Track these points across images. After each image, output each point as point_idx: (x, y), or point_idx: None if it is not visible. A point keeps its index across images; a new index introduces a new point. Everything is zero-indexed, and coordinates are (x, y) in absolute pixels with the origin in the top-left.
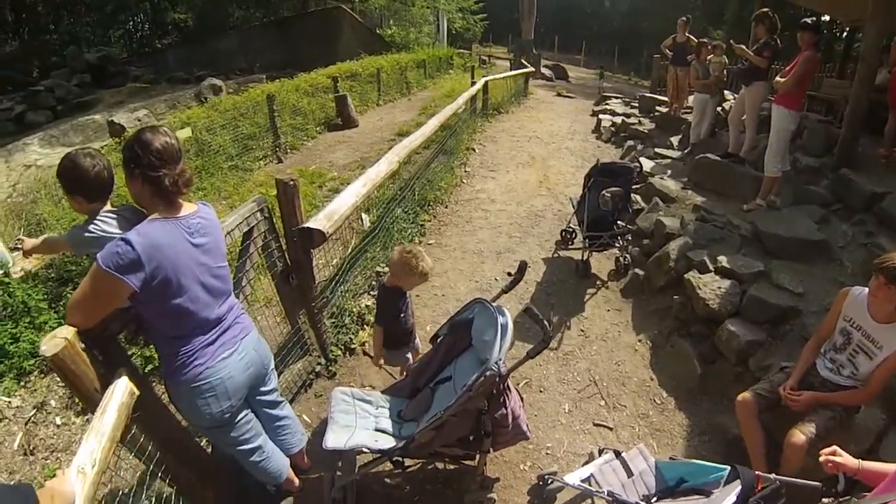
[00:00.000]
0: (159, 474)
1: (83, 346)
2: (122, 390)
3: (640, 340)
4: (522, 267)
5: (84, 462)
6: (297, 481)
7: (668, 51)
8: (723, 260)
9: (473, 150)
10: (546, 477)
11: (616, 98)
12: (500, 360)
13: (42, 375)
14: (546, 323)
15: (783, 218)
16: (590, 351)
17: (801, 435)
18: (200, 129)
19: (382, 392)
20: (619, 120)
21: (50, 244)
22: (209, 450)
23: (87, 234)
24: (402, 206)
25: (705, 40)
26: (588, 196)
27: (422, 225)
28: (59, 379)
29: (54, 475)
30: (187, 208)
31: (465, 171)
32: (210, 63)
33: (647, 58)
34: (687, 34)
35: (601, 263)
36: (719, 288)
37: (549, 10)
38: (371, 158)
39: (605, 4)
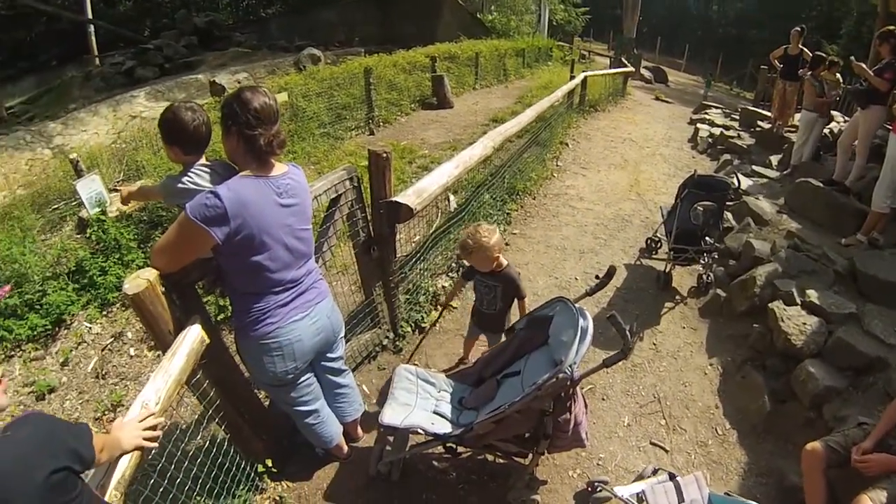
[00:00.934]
0: (216, 419)
1: (163, 289)
2: (193, 337)
3: (711, 364)
4: (611, 272)
5: (149, 398)
6: (345, 449)
7: (777, 62)
8: (812, 295)
9: (567, 144)
10: (596, 484)
11: (716, 108)
12: (574, 363)
13: (123, 308)
14: (629, 334)
15: (885, 259)
16: (659, 367)
17: (869, 502)
18: (297, 95)
19: (447, 376)
20: (717, 131)
21: (145, 192)
22: (266, 404)
23: (179, 185)
24: (491, 192)
25: (822, 54)
26: (680, 207)
27: (508, 213)
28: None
29: (119, 401)
30: (278, 169)
31: (557, 166)
32: (310, 33)
33: (752, 68)
34: (800, 46)
35: (683, 278)
36: (804, 324)
37: (653, 10)
38: (463, 141)
39: (712, 7)
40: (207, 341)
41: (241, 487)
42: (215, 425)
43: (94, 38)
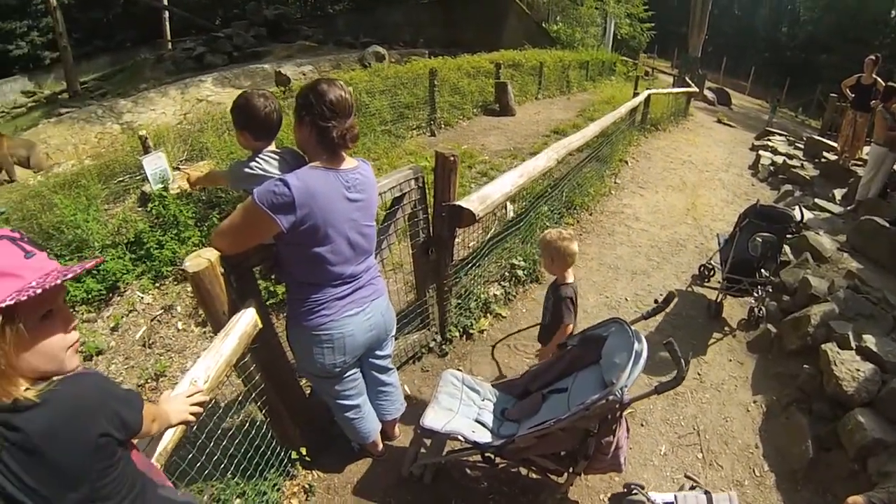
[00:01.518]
0: (257, 402)
1: (222, 270)
2: (247, 320)
3: (755, 402)
4: (669, 298)
5: (198, 376)
6: (381, 446)
7: (849, 91)
8: (869, 340)
9: (626, 162)
10: (633, 487)
11: (780, 135)
12: (626, 386)
13: (175, 283)
14: (683, 362)
15: None
16: (701, 398)
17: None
18: (361, 90)
19: (493, 385)
20: (779, 159)
21: (212, 177)
22: (307, 393)
23: (246, 170)
24: (549, 205)
25: None
26: (738, 236)
27: (564, 227)
28: (190, 290)
29: (163, 372)
30: (349, 163)
31: (616, 183)
32: (375, 32)
33: (820, 95)
34: (874, 76)
35: (734, 309)
36: (858, 370)
37: (720, 29)
38: (524, 150)
39: (781, 29)
40: (260, 326)
41: (273, 471)
42: (255, 407)
43: (168, 23)
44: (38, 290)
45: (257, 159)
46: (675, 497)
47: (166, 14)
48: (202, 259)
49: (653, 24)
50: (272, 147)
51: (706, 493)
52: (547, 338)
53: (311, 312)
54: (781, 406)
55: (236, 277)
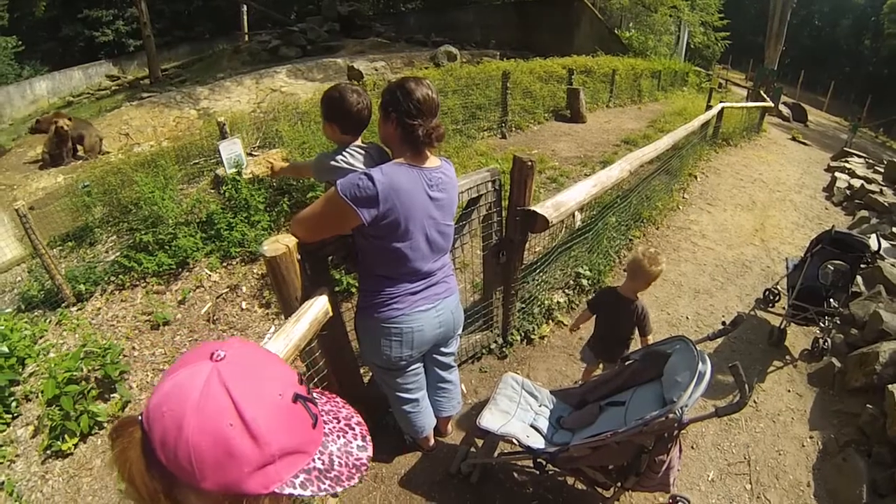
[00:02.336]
0: (319, 386)
1: (298, 257)
2: (319, 307)
3: (811, 437)
4: (738, 321)
5: None
6: (433, 442)
7: None
8: None
9: (695, 177)
10: (679, 498)
11: (858, 157)
12: (686, 406)
13: (242, 264)
14: (748, 387)
15: None
16: (755, 427)
17: None
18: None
19: (551, 392)
20: (857, 183)
21: (296, 167)
22: (365, 380)
23: (331, 163)
24: (617, 216)
25: None
26: (809, 262)
27: (630, 240)
28: (256, 272)
29: None
30: (432, 161)
31: (683, 198)
32: (447, 31)
33: None
34: None
35: (797, 338)
36: None
37: (798, 40)
38: (594, 158)
39: (864, 42)
40: (331, 314)
41: None
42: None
43: (245, 16)
44: (337, 489)
45: (343, 152)
46: None
47: (244, 8)
48: (280, 245)
49: (728, 34)
50: (358, 141)
51: None
52: (621, 352)
53: (383, 305)
54: (839, 445)
55: (311, 265)
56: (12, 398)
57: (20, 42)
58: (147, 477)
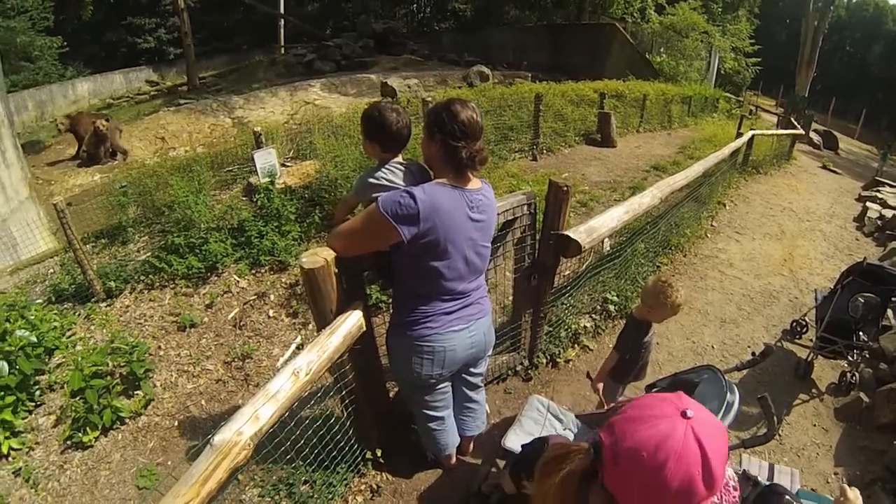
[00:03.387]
0: (345, 400)
1: (335, 270)
2: (353, 321)
3: (835, 473)
4: (767, 352)
5: (301, 367)
6: (454, 460)
7: None
8: None
9: (724, 205)
10: None
11: (891, 186)
12: None
13: (271, 272)
14: (776, 419)
15: None
16: (779, 460)
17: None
18: None
19: (576, 416)
20: (888, 213)
21: (345, 202)
22: (391, 395)
23: (371, 180)
24: (645, 242)
25: None
26: (839, 294)
27: (658, 266)
28: (284, 281)
29: (250, 354)
30: (473, 183)
31: (712, 226)
32: (480, 51)
33: None
34: None
35: (824, 371)
36: None
37: (830, 66)
38: (623, 183)
39: None
40: (364, 329)
41: (345, 466)
42: (337, 402)
43: (282, 30)
44: None
45: (384, 169)
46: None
47: (281, 22)
48: (318, 257)
49: (758, 60)
50: (398, 158)
51: (770, 465)
52: (622, 374)
53: (417, 323)
54: (864, 483)
55: (347, 279)
56: (37, 387)
57: (65, 43)
58: (574, 497)
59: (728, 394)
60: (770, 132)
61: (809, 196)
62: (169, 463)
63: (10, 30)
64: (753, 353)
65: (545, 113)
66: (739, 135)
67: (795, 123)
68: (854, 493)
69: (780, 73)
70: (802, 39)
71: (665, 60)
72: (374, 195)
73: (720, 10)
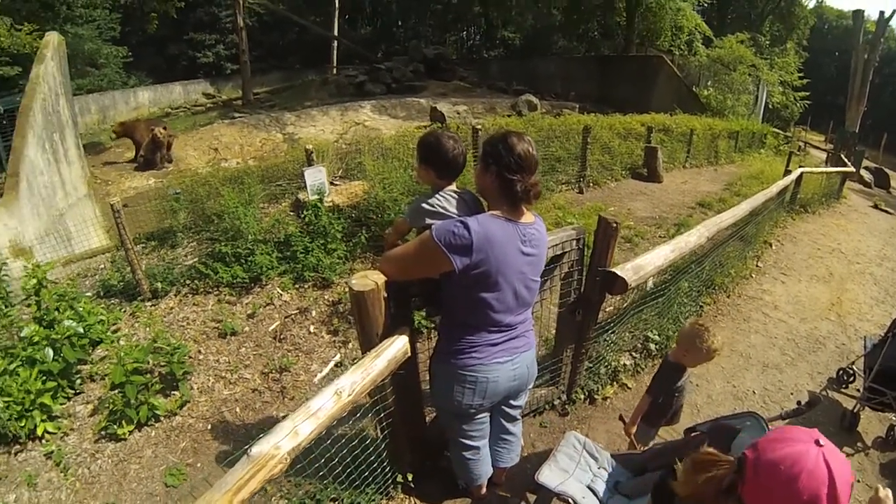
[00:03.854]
0: (383, 421)
1: (384, 295)
2: (399, 346)
3: None
4: (814, 402)
5: (343, 387)
6: (485, 491)
7: None
8: None
9: (770, 245)
10: None
11: None
12: None
13: (314, 288)
14: None
15: None
16: None
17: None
18: None
19: (612, 455)
20: None
21: (397, 226)
22: (427, 420)
23: (425, 206)
24: (689, 281)
25: None
26: (889, 343)
27: (700, 306)
28: (327, 298)
29: (288, 367)
30: (527, 216)
31: (757, 266)
32: (527, 80)
33: None
34: None
35: (871, 424)
36: None
37: (881, 100)
38: (669, 220)
39: None
40: (409, 355)
41: (374, 487)
42: (372, 423)
43: (335, 52)
44: None
45: (438, 196)
46: None
47: (334, 43)
48: (369, 280)
49: (807, 94)
50: (452, 186)
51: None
52: (655, 417)
53: (462, 353)
54: None
55: (395, 304)
56: (78, 376)
57: (130, 53)
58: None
59: None
60: (819, 170)
61: (860, 237)
62: (199, 465)
63: (79, 37)
64: (799, 402)
65: (592, 145)
66: (788, 172)
67: (845, 160)
68: (886, 493)
69: (829, 108)
70: (852, 72)
71: (712, 94)
72: (428, 222)
73: (768, 42)
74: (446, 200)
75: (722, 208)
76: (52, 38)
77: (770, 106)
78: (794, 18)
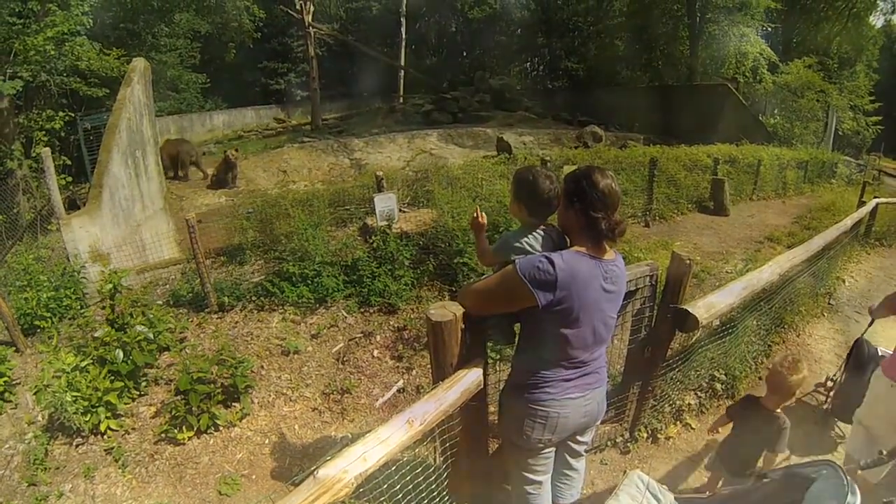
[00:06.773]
0: (447, 451)
1: (462, 326)
2: (473, 378)
3: None
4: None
5: (415, 417)
6: None
7: None
8: None
9: (843, 281)
10: None
11: None
12: None
13: (380, 313)
14: None
15: None
16: None
17: None
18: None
19: (675, 496)
20: None
21: (482, 250)
22: (489, 450)
23: (517, 244)
24: (758, 319)
25: None
26: None
27: (769, 345)
28: (391, 323)
29: (349, 389)
30: (609, 253)
31: (829, 304)
32: (591, 111)
33: None
34: None
35: None
36: None
37: None
38: (735, 255)
39: None
40: (482, 387)
41: None
42: (436, 451)
43: (402, 80)
44: None
45: (529, 235)
46: None
47: (401, 73)
48: (447, 311)
49: (879, 118)
50: (542, 224)
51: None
52: (732, 460)
53: (535, 387)
54: None
55: (471, 336)
56: (144, 378)
57: (208, 80)
58: None
59: (850, 494)
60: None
61: None
62: (253, 477)
63: (162, 63)
64: (881, 452)
65: (658, 178)
66: (862, 203)
67: None
68: None
69: None
70: None
71: (779, 122)
72: (512, 257)
73: (836, 66)
74: (535, 239)
75: (791, 242)
76: (139, 63)
77: (840, 132)
78: (862, 39)
